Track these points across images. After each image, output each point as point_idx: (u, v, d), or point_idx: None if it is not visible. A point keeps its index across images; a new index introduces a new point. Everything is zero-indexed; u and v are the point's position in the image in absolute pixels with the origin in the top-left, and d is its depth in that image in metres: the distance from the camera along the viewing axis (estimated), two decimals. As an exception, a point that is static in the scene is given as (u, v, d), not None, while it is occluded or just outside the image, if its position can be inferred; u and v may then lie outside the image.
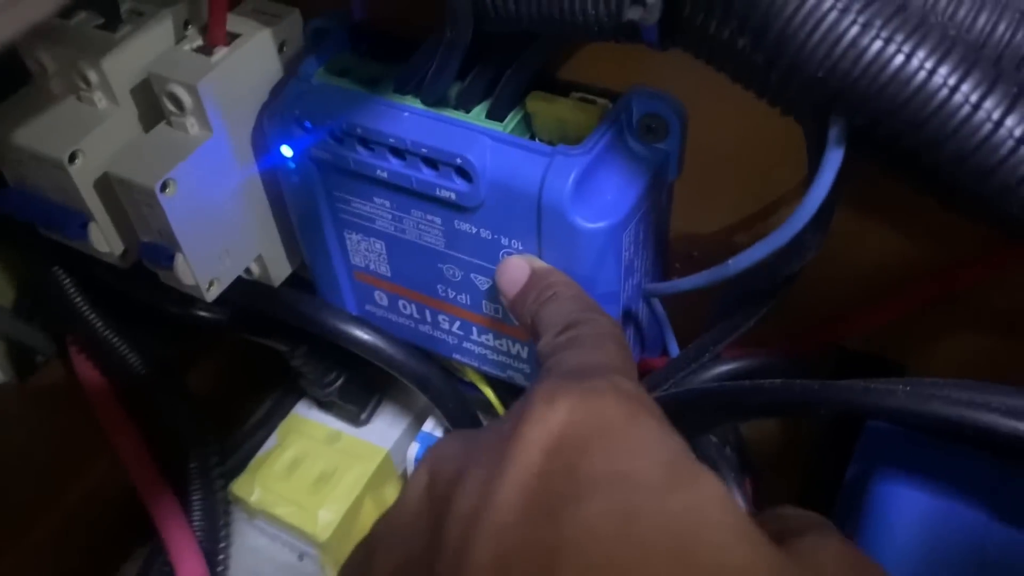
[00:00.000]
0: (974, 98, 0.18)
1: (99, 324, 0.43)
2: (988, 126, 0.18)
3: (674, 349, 0.33)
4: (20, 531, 0.45)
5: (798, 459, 0.38)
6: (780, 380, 0.26)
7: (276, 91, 0.33)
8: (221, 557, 0.44)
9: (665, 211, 0.32)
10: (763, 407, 0.26)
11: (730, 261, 0.24)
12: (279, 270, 0.38)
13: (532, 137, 0.30)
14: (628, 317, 0.33)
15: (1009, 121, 0.18)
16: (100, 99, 0.33)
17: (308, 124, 0.31)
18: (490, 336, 0.35)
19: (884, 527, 0.29)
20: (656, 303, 0.31)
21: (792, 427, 0.38)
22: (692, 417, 0.30)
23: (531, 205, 0.28)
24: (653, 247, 0.32)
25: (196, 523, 0.43)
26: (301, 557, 0.48)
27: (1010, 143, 0.18)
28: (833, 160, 0.20)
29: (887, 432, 0.31)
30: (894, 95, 0.18)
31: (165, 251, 0.32)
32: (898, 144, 0.19)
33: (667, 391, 0.31)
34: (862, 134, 0.20)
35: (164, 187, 0.30)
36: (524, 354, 0.35)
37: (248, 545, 0.48)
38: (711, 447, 0.32)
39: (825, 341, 0.33)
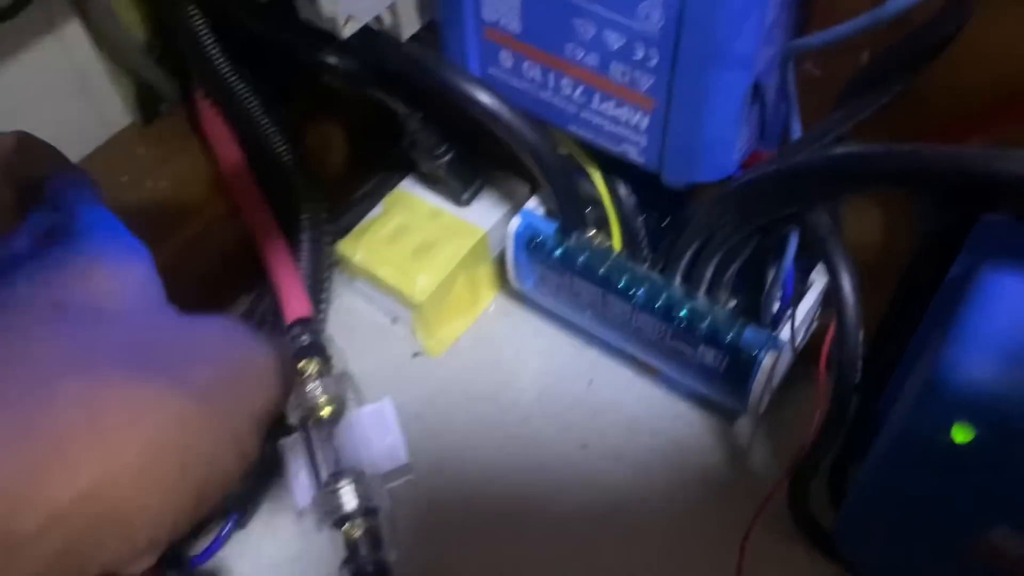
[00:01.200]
0: None
1: (227, 71, 0.45)
2: None
3: (797, 130, 0.33)
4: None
5: (896, 266, 0.38)
6: (910, 145, 0.26)
7: None
8: (322, 306, 0.47)
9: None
10: (892, 174, 0.27)
11: (877, 9, 0.24)
12: (409, 23, 0.38)
13: None
14: (757, 92, 0.32)
15: None
16: None
17: None
18: (611, 104, 0.35)
19: (987, 317, 0.29)
20: (790, 77, 0.31)
21: (894, 230, 0.38)
22: (813, 184, 0.30)
23: (682, -54, 0.28)
24: (795, 18, 0.31)
25: (303, 270, 0.46)
26: (394, 320, 0.50)
27: None
28: None
29: (999, 226, 0.31)
30: None
31: (308, -22, 0.33)
32: None
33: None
34: None
35: (317, -97, 0.31)
36: (644, 125, 0.35)
37: (345, 306, 0.51)
38: (825, 226, 0.32)
39: (956, 137, 0.32)
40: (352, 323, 0.50)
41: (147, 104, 0.50)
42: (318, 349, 0.42)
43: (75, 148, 0.49)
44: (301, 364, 0.42)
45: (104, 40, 0.47)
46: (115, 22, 0.46)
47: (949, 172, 0.26)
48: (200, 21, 0.44)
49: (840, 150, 0.29)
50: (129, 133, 0.50)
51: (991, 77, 0.31)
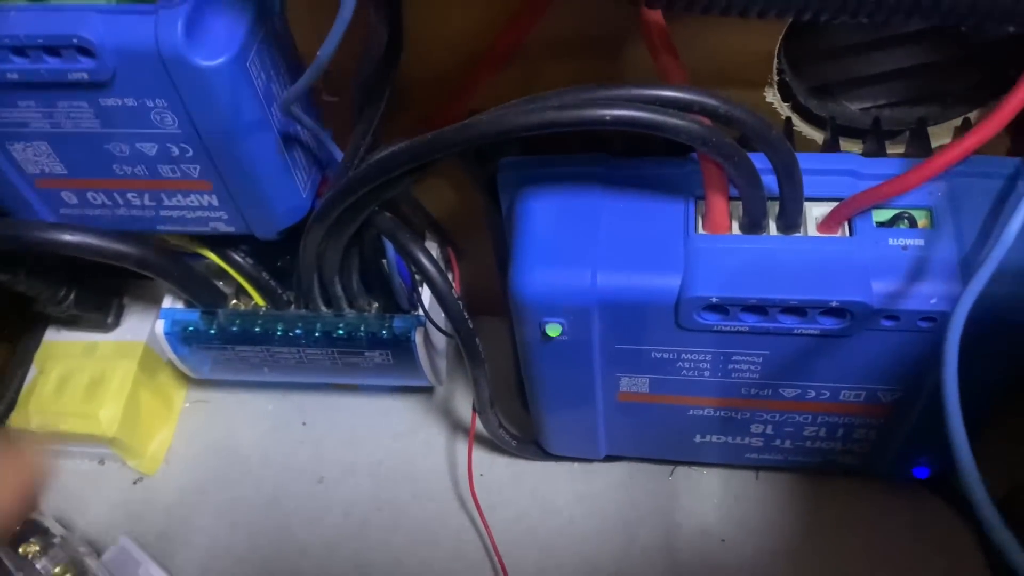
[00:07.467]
0: None
1: None
2: None
3: (337, 154, 0.38)
4: None
5: (482, 220, 0.45)
6: (425, 136, 0.32)
7: None
8: (21, 487, 0.47)
9: (285, 39, 0.36)
10: (412, 163, 0.33)
11: (318, 52, 0.30)
12: (-39, 203, 0.39)
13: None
14: (289, 140, 0.37)
15: None
16: None
17: (-79, 49, 0.32)
18: (179, 197, 0.39)
19: (529, 232, 0.36)
20: (304, 119, 0.36)
21: (467, 199, 0.45)
22: (365, 191, 0.36)
23: (155, 62, 0.32)
24: (286, 74, 0.36)
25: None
26: (102, 461, 0.51)
27: None
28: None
29: (513, 164, 0.38)
30: None
31: None
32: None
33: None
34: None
35: None
36: (216, 203, 0.39)
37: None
38: (388, 223, 0.38)
39: (450, 116, 0.39)
40: (60, 484, 0.50)
41: None
42: (32, 528, 0.42)
43: None
44: (22, 549, 0.42)
45: None
46: None
47: (456, 142, 0.32)
48: None
49: (372, 158, 0.35)
50: None
51: (444, 63, 0.38)
